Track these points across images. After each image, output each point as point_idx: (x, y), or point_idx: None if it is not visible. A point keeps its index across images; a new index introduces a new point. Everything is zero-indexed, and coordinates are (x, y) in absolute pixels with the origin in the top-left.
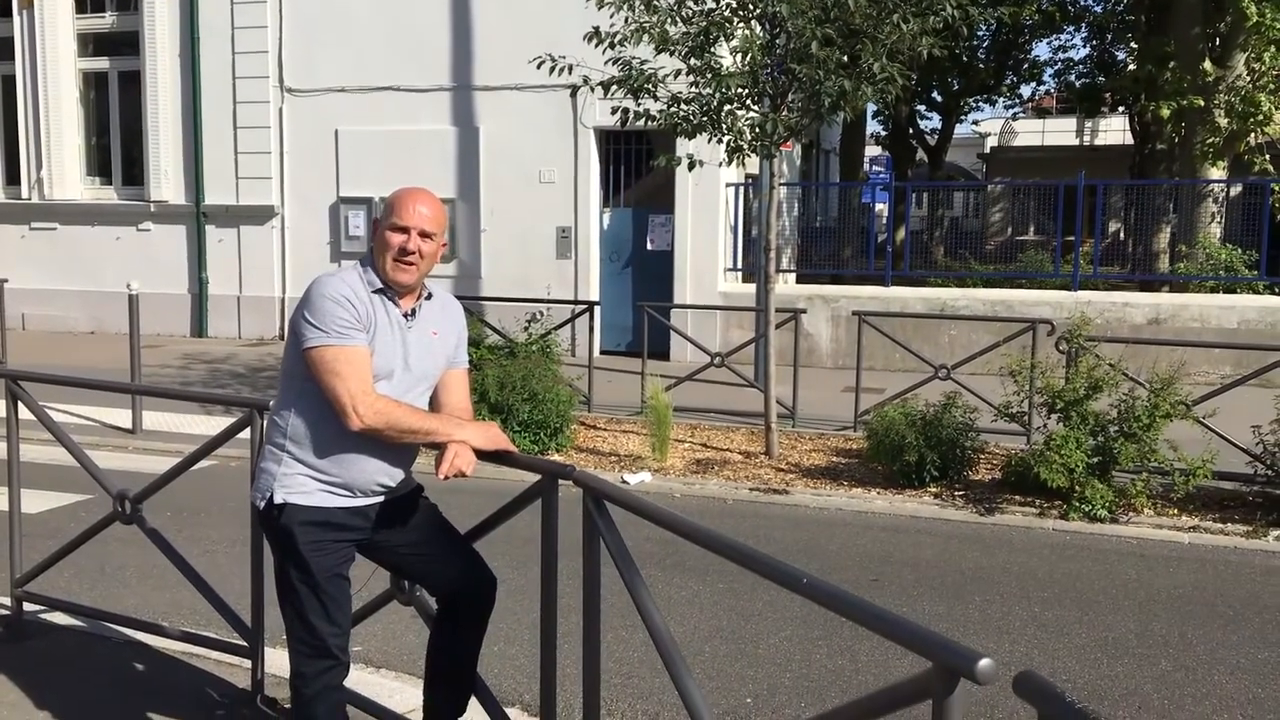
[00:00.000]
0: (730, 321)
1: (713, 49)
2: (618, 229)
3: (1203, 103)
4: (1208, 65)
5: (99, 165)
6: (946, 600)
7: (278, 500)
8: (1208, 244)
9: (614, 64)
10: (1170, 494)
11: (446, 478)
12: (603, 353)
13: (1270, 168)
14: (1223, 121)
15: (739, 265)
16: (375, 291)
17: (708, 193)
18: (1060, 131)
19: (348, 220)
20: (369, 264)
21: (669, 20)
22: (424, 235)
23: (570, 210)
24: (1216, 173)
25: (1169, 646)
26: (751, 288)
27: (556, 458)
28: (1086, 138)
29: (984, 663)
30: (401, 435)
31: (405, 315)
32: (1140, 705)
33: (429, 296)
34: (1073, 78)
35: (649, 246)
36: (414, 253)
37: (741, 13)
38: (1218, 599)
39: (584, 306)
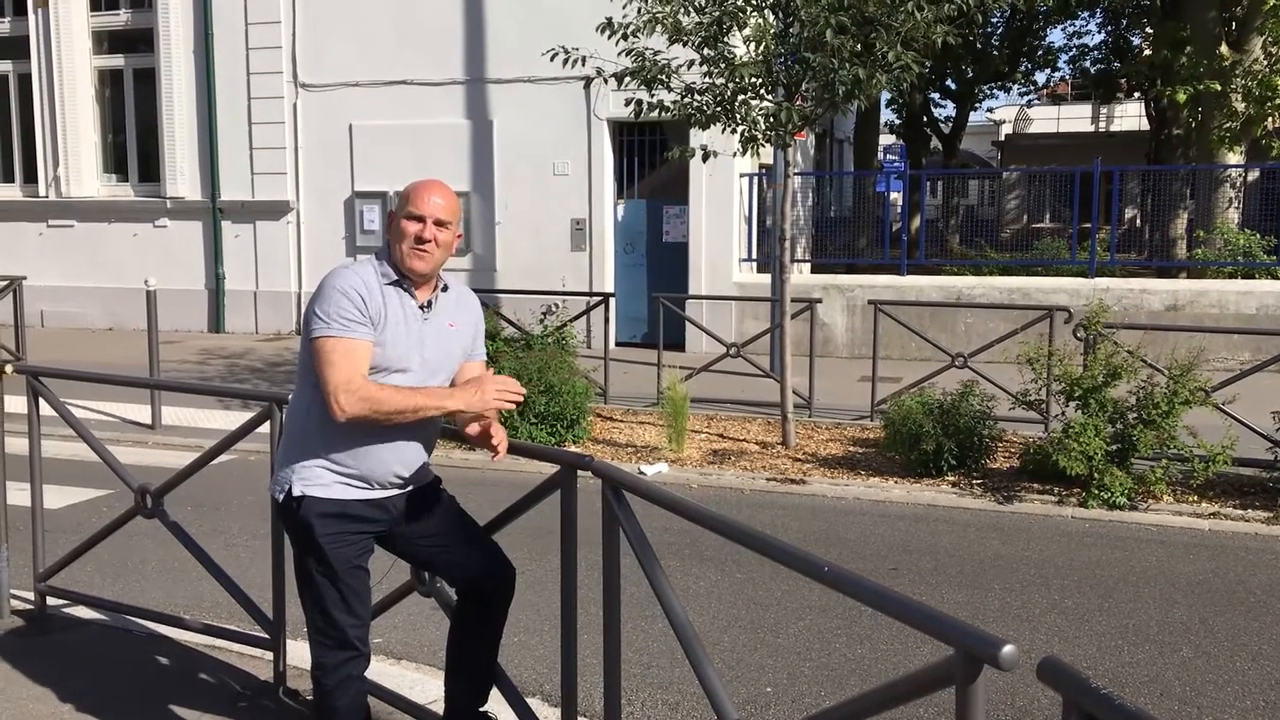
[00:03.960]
0: (745, 312)
1: (726, 39)
2: (632, 220)
3: (1219, 87)
4: (1224, 49)
5: (115, 162)
6: (966, 589)
7: (296, 493)
8: (1225, 229)
9: (627, 55)
10: (1190, 481)
11: (499, 458)
12: (618, 344)
13: None
14: (1240, 106)
15: (754, 255)
16: (390, 284)
17: (722, 183)
18: (1075, 118)
19: (363, 214)
20: (384, 256)
21: (682, 10)
22: (439, 224)
23: (584, 202)
24: (1234, 158)
25: (1190, 633)
26: (766, 278)
27: (573, 449)
28: (1102, 124)
29: (1007, 649)
30: (390, 417)
31: (421, 307)
32: (1162, 692)
33: (445, 289)
34: (1087, 64)
35: (663, 237)
36: (429, 240)
37: (754, 2)
38: (1238, 586)
39: (599, 298)
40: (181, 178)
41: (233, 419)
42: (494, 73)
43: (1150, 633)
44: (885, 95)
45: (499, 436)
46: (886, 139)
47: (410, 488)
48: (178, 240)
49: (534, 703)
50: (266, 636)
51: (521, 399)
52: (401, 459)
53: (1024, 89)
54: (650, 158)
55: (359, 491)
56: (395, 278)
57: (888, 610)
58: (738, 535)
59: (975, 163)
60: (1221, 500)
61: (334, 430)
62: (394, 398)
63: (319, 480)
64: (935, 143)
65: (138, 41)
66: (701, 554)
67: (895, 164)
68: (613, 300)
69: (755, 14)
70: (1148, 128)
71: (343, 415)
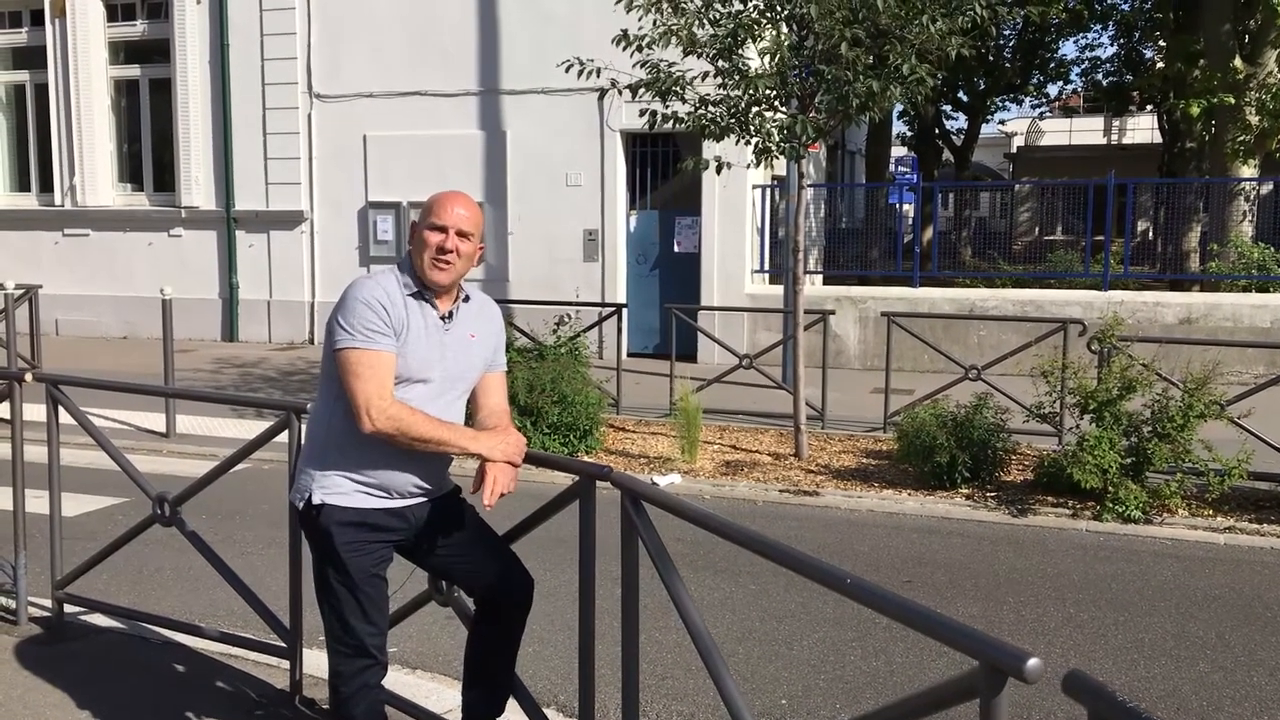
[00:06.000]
0: (758, 323)
1: (740, 51)
2: (644, 231)
3: (1233, 100)
4: (1238, 63)
5: (130, 172)
6: (981, 602)
7: (316, 501)
8: (1239, 243)
9: (641, 67)
10: (1205, 495)
11: (490, 506)
12: (630, 355)
13: None
14: (1254, 119)
15: (766, 267)
16: (412, 295)
17: (734, 194)
18: (1088, 131)
19: (376, 224)
20: (406, 267)
21: (696, 22)
22: (461, 235)
23: (597, 213)
24: (1248, 171)
25: (1206, 648)
26: (779, 289)
27: (586, 460)
28: (1114, 136)
29: (1032, 662)
30: (413, 443)
31: (443, 318)
32: (1179, 707)
33: (466, 299)
34: (1100, 76)
35: (676, 248)
36: (451, 251)
37: (769, 14)
38: (1255, 600)
39: (612, 309)
40: (196, 187)
41: (246, 428)
42: (507, 84)
43: (1166, 647)
44: (898, 107)
45: (488, 486)
46: (898, 151)
47: (430, 497)
48: (192, 249)
49: (550, 713)
50: (283, 645)
51: (509, 491)
52: (421, 469)
53: (1036, 101)
54: (663, 169)
55: (379, 500)
56: (416, 288)
57: (910, 623)
58: (763, 549)
59: (987, 175)
60: (1237, 514)
61: (355, 440)
62: (422, 425)
63: (339, 489)
64: (947, 155)
65: (154, 52)
66: (715, 565)
67: (907, 176)
68: (625, 311)
69: (770, 26)
70: (1160, 140)
71: (370, 428)
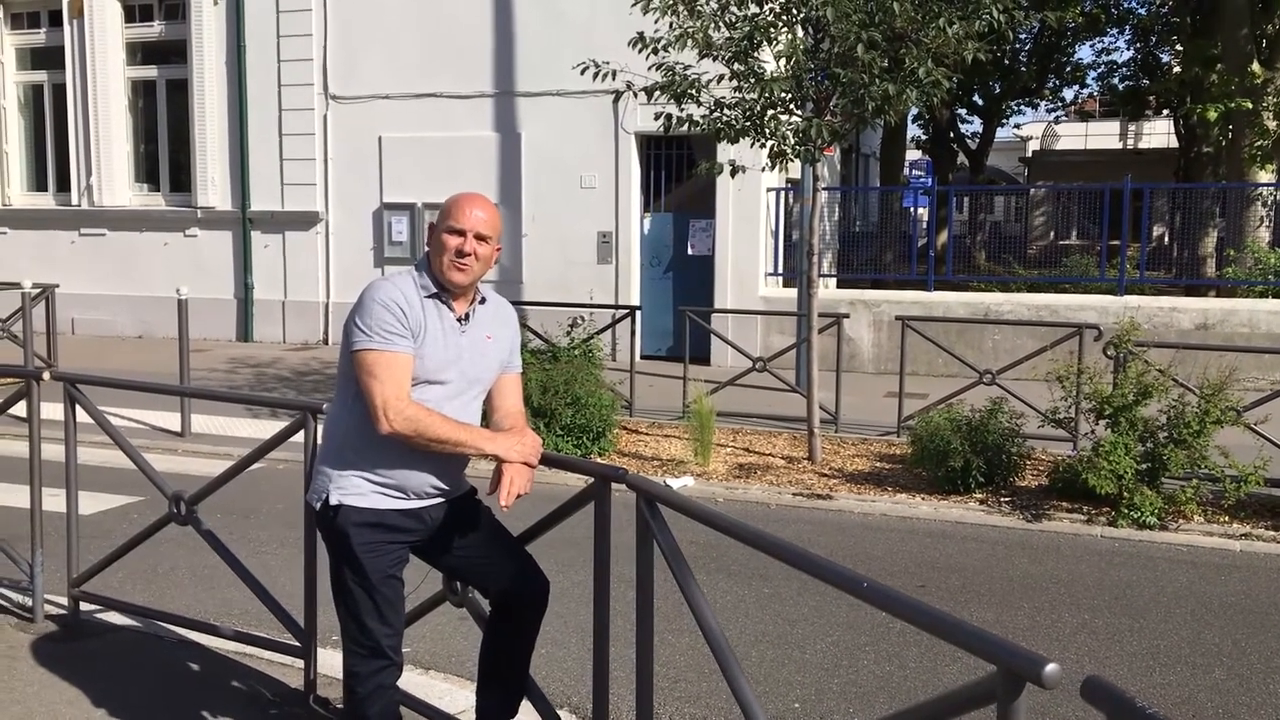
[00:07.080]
0: (771, 326)
1: (756, 54)
2: (658, 234)
3: (1250, 105)
4: (1255, 67)
5: (147, 172)
6: (995, 607)
7: (333, 502)
8: (1256, 248)
9: (657, 70)
10: (1221, 501)
11: (507, 508)
12: (643, 357)
13: None
14: (1271, 124)
15: (780, 270)
16: (429, 296)
17: (749, 197)
18: (1103, 135)
19: (391, 226)
20: (424, 269)
21: (712, 25)
22: (480, 238)
23: (611, 215)
24: (1265, 176)
25: (1222, 655)
26: (792, 292)
27: (599, 461)
28: (1130, 141)
29: (1051, 668)
30: (430, 444)
31: (459, 319)
32: (1194, 714)
33: (483, 301)
34: (1116, 80)
35: (689, 251)
36: (470, 254)
37: (785, 17)
38: (1271, 607)
39: (625, 311)
40: (212, 188)
41: (261, 427)
42: (522, 86)
43: (1182, 654)
44: (912, 111)
45: (504, 487)
46: (913, 154)
47: (446, 498)
48: (208, 250)
49: (564, 714)
50: (297, 644)
51: (525, 492)
52: (438, 470)
53: (1051, 105)
54: (677, 171)
55: (395, 501)
56: (434, 290)
57: (928, 627)
58: (782, 552)
59: (1002, 179)
60: (1253, 521)
61: (372, 441)
62: (439, 427)
63: (356, 489)
64: (962, 159)
65: (171, 53)
66: (727, 568)
67: (922, 179)
68: (638, 313)
69: (786, 29)
70: (1176, 145)
71: (387, 429)
